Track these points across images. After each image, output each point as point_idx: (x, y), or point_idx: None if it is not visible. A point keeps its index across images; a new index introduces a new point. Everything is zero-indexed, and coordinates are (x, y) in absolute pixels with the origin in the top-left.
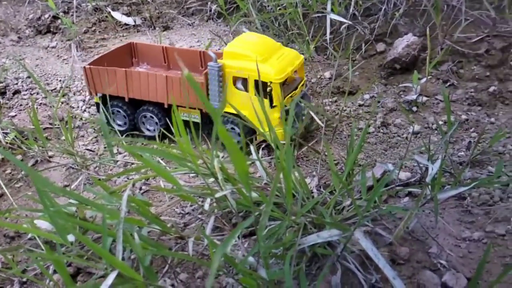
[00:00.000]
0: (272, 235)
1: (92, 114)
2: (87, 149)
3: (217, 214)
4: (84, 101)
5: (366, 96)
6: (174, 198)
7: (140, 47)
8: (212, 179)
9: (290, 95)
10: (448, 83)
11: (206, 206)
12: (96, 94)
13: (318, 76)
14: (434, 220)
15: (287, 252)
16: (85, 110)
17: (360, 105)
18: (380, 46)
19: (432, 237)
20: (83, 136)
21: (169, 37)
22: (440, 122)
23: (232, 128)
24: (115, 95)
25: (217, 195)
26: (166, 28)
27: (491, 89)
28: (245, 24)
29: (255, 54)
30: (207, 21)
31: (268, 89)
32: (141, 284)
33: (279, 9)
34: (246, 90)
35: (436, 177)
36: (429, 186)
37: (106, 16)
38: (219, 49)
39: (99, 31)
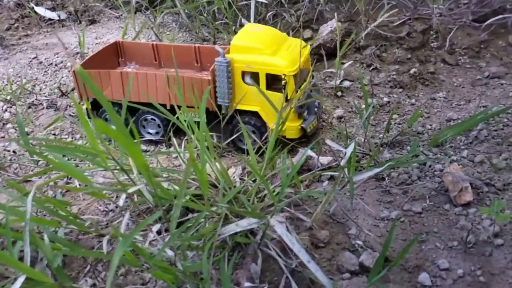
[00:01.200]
0: (189, 227)
1: (13, 114)
2: (6, 150)
3: (141, 210)
4: (5, 100)
5: None
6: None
7: (126, 46)
8: (133, 175)
9: (301, 87)
10: (372, 67)
11: (121, 203)
12: (88, 99)
13: None
14: (354, 202)
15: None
16: (6, 110)
17: None
18: (307, 33)
19: (351, 218)
20: (3, 137)
21: (96, 31)
22: (363, 106)
23: (252, 131)
24: (109, 100)
25: (130, 190)
26: (92, 22)
27: (412, 71)
28: (172, 15)
29: (264, 46)
30: (135, 13)
31: (283, 82)
32: (52, 285)
33: None
34: (257, 84)
35: (352, 159)
36: (346, 169)
37: (29, 12)
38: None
39: (22, 28)
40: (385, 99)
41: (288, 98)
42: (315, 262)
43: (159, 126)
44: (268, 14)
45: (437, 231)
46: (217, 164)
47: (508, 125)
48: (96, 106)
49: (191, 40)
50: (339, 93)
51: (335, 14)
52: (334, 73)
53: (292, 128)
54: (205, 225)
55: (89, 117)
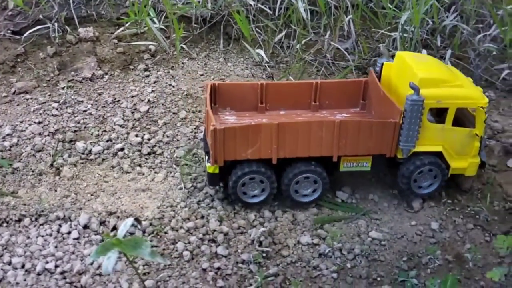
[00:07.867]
0: None
1: None
2: None
3: None
4: None
5: None
6: None
7: (222, 88)
8: None
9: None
10: None
11: None
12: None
13: None
14: None
15: None
16: None
17: None
18: None
19: None
20: None
21: None
22: None
23: (430, 170)
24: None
25: None
26: None
27: None
28: None
29: (452, 78)
30: None
31: (485, 116)
32: None
33: None
34: (438, 121)
35: None
36: None
37: None
38: None
39: None
40: None
41: (482, 132)
42: None
43: (316, 182)
44: None
45: None
46: None
47: None
48: (227, 169)
49: None
50: None
51: None
52: None
53: (474, 165)
54: None
55: (212, 184)
